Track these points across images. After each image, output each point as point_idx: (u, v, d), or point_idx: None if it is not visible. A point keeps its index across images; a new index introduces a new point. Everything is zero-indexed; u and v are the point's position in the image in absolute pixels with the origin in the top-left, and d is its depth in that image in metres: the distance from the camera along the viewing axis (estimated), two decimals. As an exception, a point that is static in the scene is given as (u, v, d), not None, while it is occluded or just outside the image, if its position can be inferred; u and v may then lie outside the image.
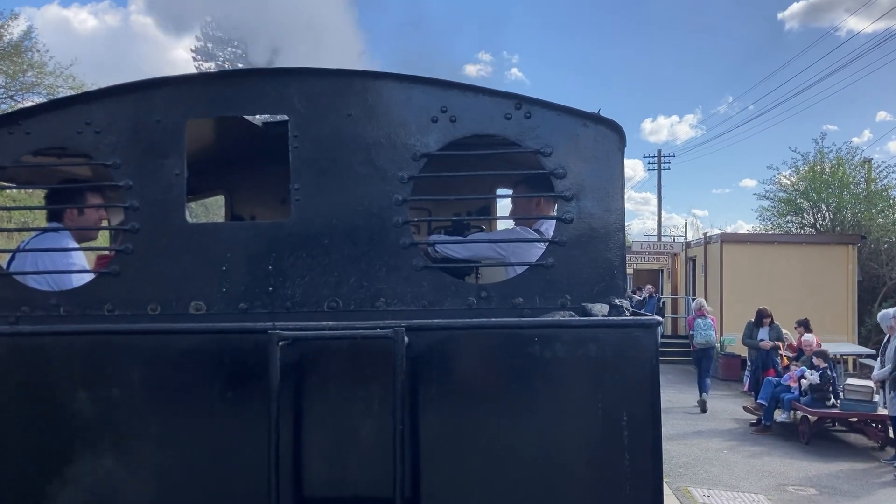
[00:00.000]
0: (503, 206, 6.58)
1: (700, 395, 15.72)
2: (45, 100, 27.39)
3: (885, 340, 11.81)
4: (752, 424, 13.98)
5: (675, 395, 17.02)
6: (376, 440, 3.00)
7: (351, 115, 3.30)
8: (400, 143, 3.29)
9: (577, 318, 3.16)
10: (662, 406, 3.12)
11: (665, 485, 8.08)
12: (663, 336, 25.71)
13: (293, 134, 3.30)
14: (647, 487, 2.99)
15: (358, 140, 3.29)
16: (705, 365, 16.31)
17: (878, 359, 11.90)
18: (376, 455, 2.99)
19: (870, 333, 23.31)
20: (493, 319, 3.15)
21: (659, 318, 3.21)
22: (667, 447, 11.19)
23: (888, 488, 10.03)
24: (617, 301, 3.23)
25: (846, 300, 22.13)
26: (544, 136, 3.30)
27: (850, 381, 13.17)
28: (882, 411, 11.94)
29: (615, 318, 3.16)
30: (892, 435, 11.85)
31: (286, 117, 3.36)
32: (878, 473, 10.80)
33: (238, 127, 4.11)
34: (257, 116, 4.00)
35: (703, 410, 15.31)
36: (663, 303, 29.24)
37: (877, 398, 12.11)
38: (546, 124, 3.30)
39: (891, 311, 11.82)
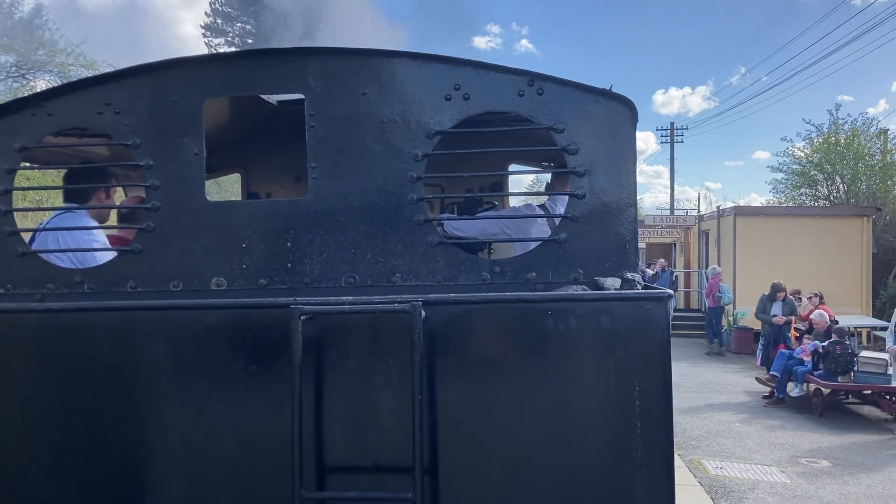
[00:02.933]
0: (515, 182, 6.62)
1: (711, 344, 19.91)
2: (56, 78, 27.58)
3: None
4: (764, 397, 14.06)
5: (688, 369, 17.12)
6: (395, 411, 3.10)
7: (366, 93, 3.36)
8: (414, 121, 3.35)
9: (590, 292, 3.23)
10: (675, 380, 3.19)
11: (677, 457, 8.19)
12: (676, 310, 25.76)
13: (309, 113, 3.36)
14: (659, 455, 3.07)
15: (373, 118, 3.35)
16: (718, 322, 20.83)
17: (892, 331, 11.86)
18: (395, 425, 3.09)
19: (884, 306, 23.23)
20: (508, 294, 3.22)
21: (670, 291, 3.28)
22: (679, 420, 11.25)
23: None
24: (629, 275, 3.30)
25: (861, 273, 22.04)
26: (557, 113, 3.35)
27: (864, 353, 13.19)
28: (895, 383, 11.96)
29: (627, 291, 3.23)
30: None
31: (301, 96, 3.42)
32: (891, 445, 10.87)
33: (254, 106, 4.17)
34: (272, 95, 4.06)
35: (721, 353, 18.89)
36: (676, 276, 29.22)
37: (891, 370, 12.14)
38: (558, 101, 3.35)
39: None
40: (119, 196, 5.19)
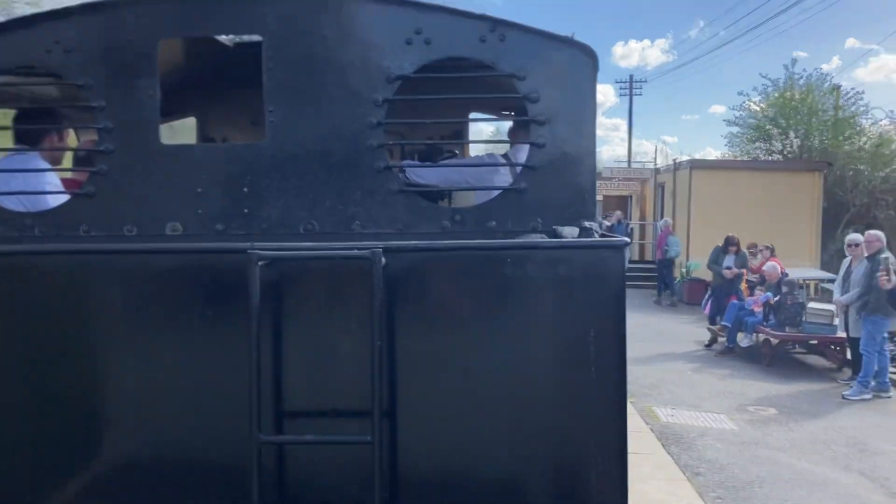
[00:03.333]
0: (477, 132, 6.62)
1: (660, 295, 21.02)
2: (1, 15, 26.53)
3: (845, 265, 12.08)
4: (706, 346, 14.44)
5: (643, 319, 17.43)
6: (354, 357, 3.11)
7: (325, 36, 3.30)
8: (374, 66, 3.30)
9: (548, 240, 3.26)
10: (630, 330, 3.26)
11: (630, 405, 8.38)
12: (631, 261, 26.18)
13: (267, 55, 3.29)
14: (612, 398, 3.15)
15: (332, 62, 3.30)
16: (668, 273, 21.67)
17: (839, 283, 12.18)
18: (354, 370, 3.10)
19: (832, 259, 23.84)
20: (468, 241, 3.24)
21: (627, 239, 3.33)
22: (633, 369, 11.49)
23: (842, 407, 10.50)
24: (587, 224, 3.33)
25: (811, 226, 22.66)
26: (518, 60, 3.33)
27: (811, 305, 13.55)
28: (841, 334, 12.35)
29: (584, 239, 3.26)
30: (849, 357, 12.28)
31: (258, 38, 3.35)
32: (835, 393, 11.24)
33: (209, 48, 4.07)
34: (228, 37, 3.97)
35: (673, 304, 20.14)
36: (631, 228, 29.60)
37: (836, 321, 12.49)
38: (520, 48, 3.33)
39: (859, 236, 12.05)
40: (75, 141, 5.07)
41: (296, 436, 3.16)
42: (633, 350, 12.54)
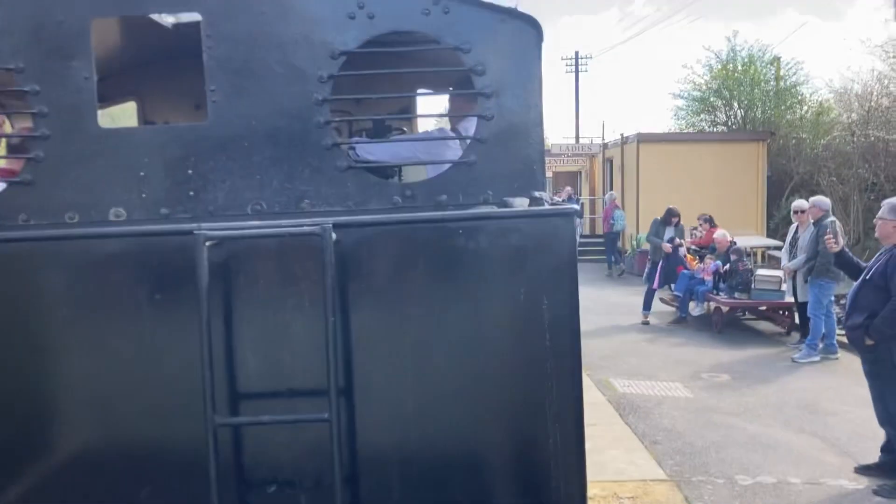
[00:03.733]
0: (424, 106, 6.61)
1: (611, 268, 21.59)
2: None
3: (792, 231, 12.31)
4: (643, 323, 14.20)
5: (595, 292, 17.59)
6: (308, 335, 3.11)
7: (265, 12, 3.27)
8: (317, 41, 3.28)
9: (498, 209, 3.30)
10: (583, 303, 3.32)
11: (586, 377, 8.48)
12: (582, 236, 26.52)
13: (206, 33, 3.25)
14: (567, 366, 3.21)
15: (273, 38, 3.27)
16: (614, 247, 22.42)
17: (786, 249, 12.41)
18: (309, 349, 3.11)
19: (777, 227, 24.46)
20: (419, 214, 3.26)
21: (576, 206, 3.39)
22: (588, 342, 11.45)
23: (792, 370, 10.78)
24: (536, 194, 3.38)
25: (756, 195, 23.12)
26: (463, 33, 3.34)
27: (760, 271, 13.82)
28: (789, 299, 12.61)
29: (535, 208, 3.31)
30: (797, 321, 12.59)
31: (197, 18, 3.30)
32: (784, 357, 11.50)
33: (147, 29, 4.01)
34: (167, 18, 3.90)
35: (620, 275, 21.16)
36: (581, 203, 29.92)
37: (784, 287, 12.76)
38: (464, 20, 3.34)
39: (804, 202, 12.19)
40: (9, 128, 4.94)
41: (252, 417, 3.17)
42: (587, 323, 12.39)
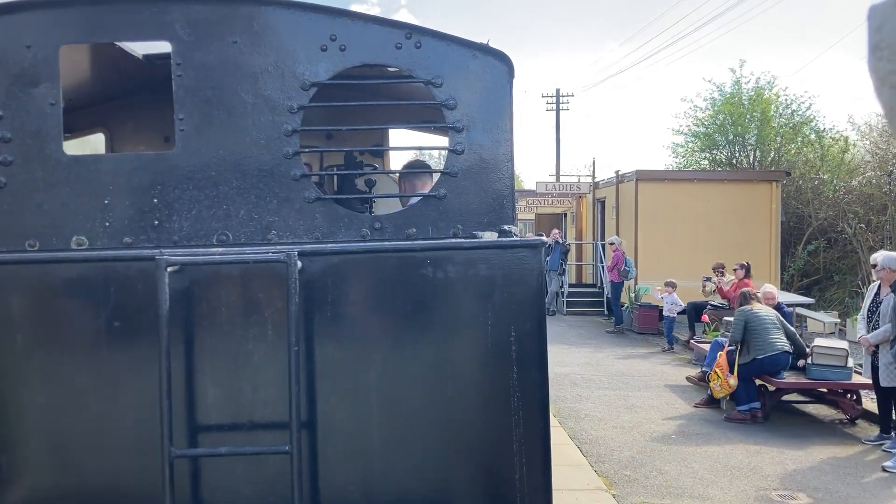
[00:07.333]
0: (396, 140, 6.97)
1: (618, 325, 21.42)
2: None
3: (872, 292, 10.60)
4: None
5: (594, 356, 16.37)
6: (271, 365, 3.47)
7: (237, 42, 3.66)
8: (288, 72, 3.68)
9: (466, 240, 3.69)
10: (585, 373, 3.63)
11: (613, 498, 7.46)
12: (570, 285, 26.46)
13: (176, 62, 3.63)
14: (535, 398, 3.60)
15: (244, 68, 3.67)
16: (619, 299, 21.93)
17: (864, 315, 10.56)
18: (271, 379, 3.46)
19: (792, 279, 24.58)
20: (385, 244, 3.65)
21: (543, 238, 3.80)
22: (602, 436, 10.22)
23: (891, 484, 8.69)
24: (506, 227, 3.79)
25: (769, 242, 22.75)
26: (435, 67, 3.77)
27: (819, 341, 11.60)
28: (860, 380, 10.87)
29: (502, 239, 3.70)
30: (862, 406, 11.09)
31: (168, 48, 3.67)
32: (871, 465, 9.28)
33: (118, 60, 4.39)
34: (138, 50, 4.29)
35: (621, 332, 20.73)
36: (569, 246, 29.34)
37: (851, 363, 11.02)
38: (436, 55, 3.77)
39: (893, 253, 10.38)
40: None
41: (210, 448, 3.50)
42: (594, 403, 11.79)
